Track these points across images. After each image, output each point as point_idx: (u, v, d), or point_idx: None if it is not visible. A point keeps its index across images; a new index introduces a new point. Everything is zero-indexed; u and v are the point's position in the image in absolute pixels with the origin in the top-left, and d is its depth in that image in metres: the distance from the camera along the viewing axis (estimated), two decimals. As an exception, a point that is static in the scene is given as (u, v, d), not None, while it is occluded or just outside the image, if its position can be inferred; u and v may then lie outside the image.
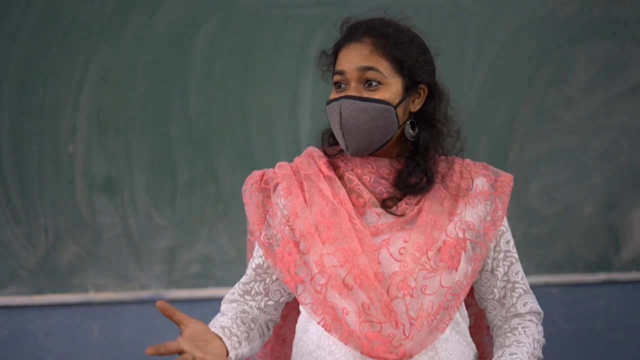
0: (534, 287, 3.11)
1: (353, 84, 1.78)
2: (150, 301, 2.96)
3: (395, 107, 1.78)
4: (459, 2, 3.10)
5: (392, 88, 1.78)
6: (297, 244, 1.81)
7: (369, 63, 1.77)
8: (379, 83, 1.77)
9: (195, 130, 2.98)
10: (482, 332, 2.00)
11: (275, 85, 3.01)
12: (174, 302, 2.96)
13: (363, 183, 1.82)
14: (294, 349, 1.89)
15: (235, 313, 1.85)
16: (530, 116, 3.16)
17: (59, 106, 2.90)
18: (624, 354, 3.23)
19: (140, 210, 2.96)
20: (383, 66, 1.78)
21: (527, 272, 3.09)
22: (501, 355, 1.83)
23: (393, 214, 1.80)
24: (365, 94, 1.77)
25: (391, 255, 1.77)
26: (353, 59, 1.78)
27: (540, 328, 1.90)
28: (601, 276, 3.21)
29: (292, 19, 3.00)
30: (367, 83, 1.77)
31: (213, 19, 2.97)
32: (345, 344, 1.75)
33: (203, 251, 2.99)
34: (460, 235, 1.81)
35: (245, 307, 1.89)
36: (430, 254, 1.78)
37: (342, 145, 1.80)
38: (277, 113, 3.02)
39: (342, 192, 1.82)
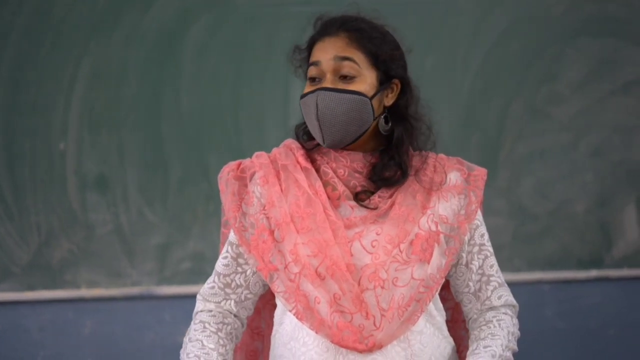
0: (525, 284, 3.18)
1: (328, 76, 1.80)
2: (142, 297, 2.98)
3: (371, 98, 1.80)
4: (451, 0, 3.11)
5: (367, 80, 1.81)
6: (272, 232, 1.83)
7: (345, 53, 1.80)
8: (354, 76, 1.80)
9: (187, 128, 3.00)
10: (458, 325, 2.01)
11: (267, 83, 3.03)
12: (166, 298, 2.99)
13: (337, 176, 1.84)
14: (272, 341, 1.91)
15: (216, 341, 1.86)
16: (522, 114, 3.17)
17: (51, 104, 2.93)
18: (616, 351, 3.23)
19: (132, 208, 2.98)
20: (359, 58, 1.80)
21: (518, 269, 3.15)
22: (475, 348, 1.84)
23: (366, 207, 1.82)
24: (341, 86, 1.79)
25: (363, 247, 1.79)
26: (329, 49, 1.81)
27: (515, 321, 1.91)
28: (593, 273, 3.21)
29: (284, 17, 3.01)
30: (343, 76, 1.80)
31: (205, 17, 2.98)
32: (316, 332, 1.77)
33: (195, 248, 3.01)
34: (433, 228, 1.82)
35: (225, 308, 1.89)
36: (402, 246, 1.79)
37: (317, 137, 1.82)
38: (269, 111, 3.03)
39: (318, 184, 1.84)
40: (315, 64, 1.82)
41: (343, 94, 1.78)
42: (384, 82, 1.83)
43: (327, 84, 1.80)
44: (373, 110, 1.81)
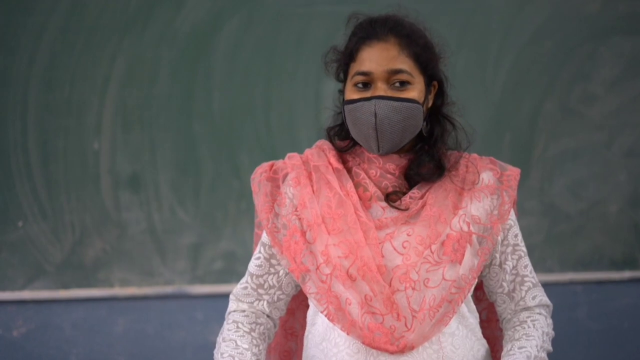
0: (558, 285, 3.15)
1: (379, 84, 1.78)
2: (174, 296, 3.00)
3: (422, 104, 1.81)
4: (483, -1, 3.11)
5: (418, 87, 1.80)
6: (304, 234, 1.83)
7: (399, 65, 1.78)
8: (408, 83, 1.79)
9: (218, 127, 3.01)
10: (493, 325, 2.00)
11: (298, 81, 3.03)
12: (198, 297, 3.00)
13: (369, 177, 1.84)
14: (305, 341, 1.91)
15: (250, 341, 1.86)
16: (555, 113, 3.14)
17: (85, 103, 2.95)
18: (649, 352, 3.21)
19: (164, 207, 3.00)
20: (410, 67, 1.79)
21: (551, 270, 3.13)
22: (510, 349, 1.83)
23: (397, 208, 1.82)
24: (396, 94, 1.78)
25: (394, 248, 1.79)
26: (380, 60, 1.78)
27: (550, 321, 1.90)
28: (626, 274, 3.19)
29: (315, 16, 3.02)
30: (399, 83, 1.78)
31: (236, 16, 2.99)
32: (348, 334, 1.77)
33: (227, 247, 3.02)
34: (465, 228, 1.82)
35: (257, 309, 1.90)
36: (433, 247, 1.79)
37: (372, 145, 1.80)
38: (299, 109, 3.04)
39: (349, 185, 1.83)
40: (365, 73, 1.79)
41: (401, 102, 1.77)
42: (428, 85, 1.84)
43: (380, 92, 1.78)
44: (423, 116, 1.81)
